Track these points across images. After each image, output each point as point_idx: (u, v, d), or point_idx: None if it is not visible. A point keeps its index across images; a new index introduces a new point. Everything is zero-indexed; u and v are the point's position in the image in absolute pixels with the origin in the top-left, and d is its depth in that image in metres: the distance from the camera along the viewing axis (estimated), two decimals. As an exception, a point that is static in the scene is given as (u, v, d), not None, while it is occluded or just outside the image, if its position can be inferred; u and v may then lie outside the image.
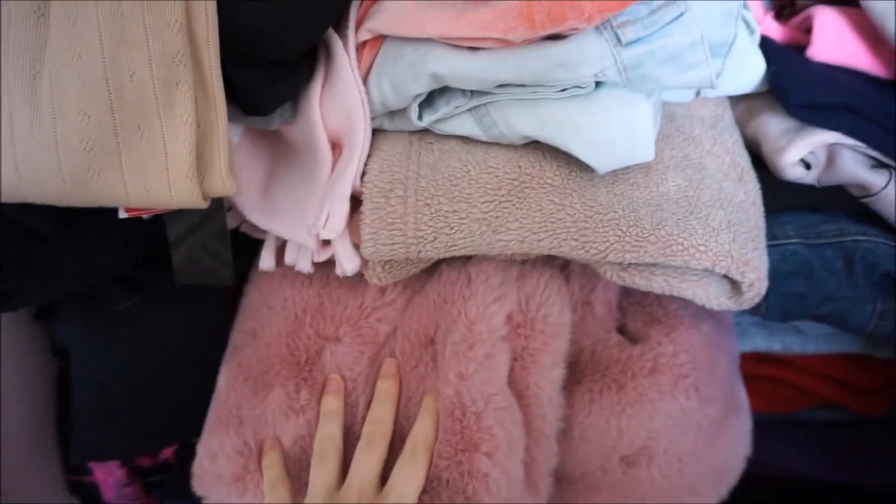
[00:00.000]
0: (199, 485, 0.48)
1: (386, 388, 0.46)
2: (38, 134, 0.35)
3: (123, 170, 0.36)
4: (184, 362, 0.54)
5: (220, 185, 0.38)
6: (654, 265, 0.43)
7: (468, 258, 0.47)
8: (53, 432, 0.64)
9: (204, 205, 0.38)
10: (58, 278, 0.51)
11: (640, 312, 0.49)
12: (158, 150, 0.36)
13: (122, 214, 0.41)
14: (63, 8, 0.34)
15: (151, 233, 0.52)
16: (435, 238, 0.41)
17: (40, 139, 0.35)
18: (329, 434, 0.45)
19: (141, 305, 0.54)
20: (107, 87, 0.35)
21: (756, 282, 0.42)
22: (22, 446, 0.60)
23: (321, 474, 0.43)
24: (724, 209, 0.43)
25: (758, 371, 0.58)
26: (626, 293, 0.51)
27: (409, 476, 0.42)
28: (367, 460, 0.43)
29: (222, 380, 0.50)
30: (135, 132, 0.36)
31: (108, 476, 0.60)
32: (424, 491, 0.42)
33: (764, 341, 0.55)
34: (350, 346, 0.47)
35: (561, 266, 0.48)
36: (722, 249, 0.41)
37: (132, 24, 0.34)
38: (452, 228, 0.41)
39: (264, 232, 0.51)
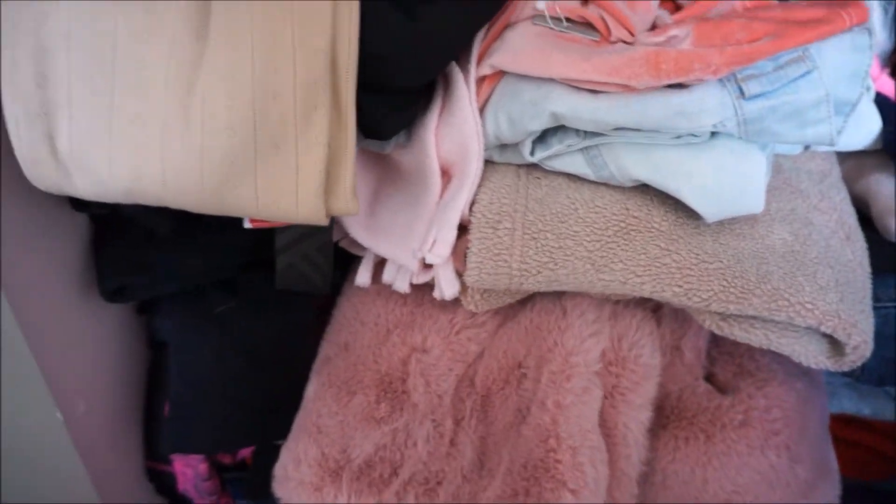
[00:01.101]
0: (281, 488, 0.50)
1: None
2: (187, 145, 0.38)
3: (257, 184, 0.39)
4: (272, 366, 0.57)
5: (344, 204, 0.40)
6: (755, 318, 0.43)
7: (563, 292, 0.47)
8: (140, 419, 0.67)
9: (325, 222, 0.40)
10: (169, 278, 0.54)
11: (729, 363, 0.49)
12: (291, 168, 0.38)
13: (247, 225, 0.43)
14: (221, 31, 0.37)
15: (258, 242, 0.55)
16: (538, 272, 0.42)
17: (188, 150, 0.38)
18: None
19: (237, 308, 0.57)
20: (252, 106, 0.37)
21: (861, 344, 0.41)
22: (110, 428, 0.63)
23: None
24: (831, 267, 0.42)
25: (843, 434, 0.56)
26: (716, 342, 0.50)
27: None
28: None
29: (311, 389, 0.51)
30: (272, 150, 0.38)
31: (186, 468, 0.62)
32: None
33: (853, 404, 0.54)
34: (438, 358, 0.48)
35: (653, 309, 0.48)
36: (830, 309, 0.40)
37: (283, 49, 0.37)
38: (557, 264, 0.42)
39: (363, 249, 0.53)
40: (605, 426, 0.44)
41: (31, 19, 0.38)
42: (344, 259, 0.56)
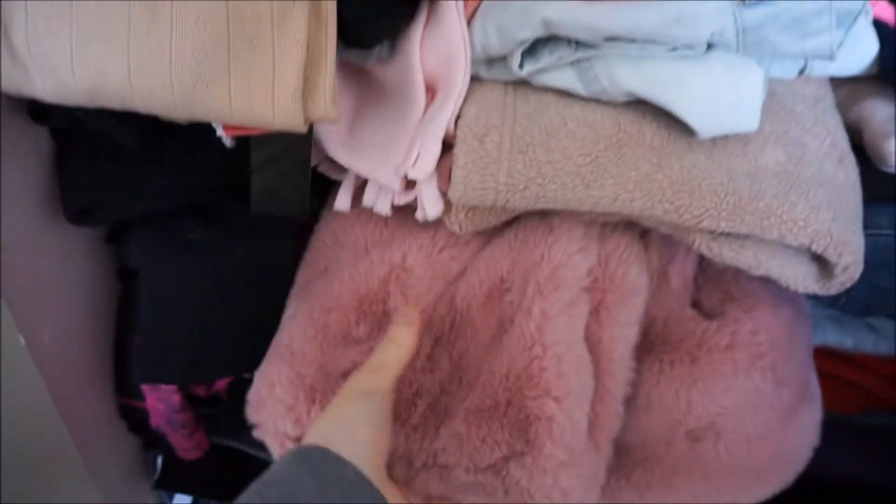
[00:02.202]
0: (255, 414, 0.48)
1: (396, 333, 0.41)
2: (155, 40, 0.35)
3: (230, 84, 0.36)
4: (248, 294, 0.55)
5: (323, 110, 0.38)
6: (745, 238, 0.42)
7: (550, 212, 0.46)
8: (110, 354, 0.65)
9: (303, 128, 0.38)
10: (137, 198, 0.51)
11: (716, 290, 0.48)
12: (267, 67, 0.36)
13: (220, 132, 0.41)
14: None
15: (232, 163, 0.52)
16: (526, 187, 0.41)
17: (156, 45, 0.35)
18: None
19: (212, 234, 0.54)
20: (225, -2, 0.35)
21: (851, 265, 0.41)
22: (79, 361, 0.61)
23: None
24: (824, 188, 0.41)
25: (823, 367, 0.56)
26: (703, 269, 0.50)
27: None
28: None
29: (288, 313, 0.50)
30: (246, 47, 0.36)
31: (159, 403, 0.61)
32: (474, 414, 0.41)
33: (836, 336, 0.54)
34: (419, 278, 0.46)
35: (640, 234, 0.47)
36: (822, 227, 0.40)
37: (257, -65, 0.34)
38: (545, 179, 0.41)
39: (342, 173, 0.51)
40: (590, 341, 0.43)
41: None
42: (323, 186, 0.54)
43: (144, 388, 0.61)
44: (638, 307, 0.44)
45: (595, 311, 0.43)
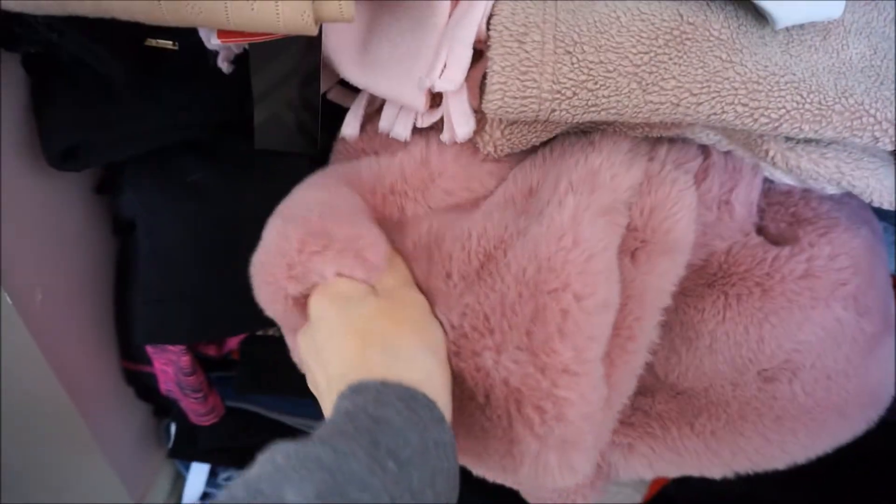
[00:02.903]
0: (257, 277, 0.40)
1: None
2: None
3: (225, -24, 0.30)
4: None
5: (336, 8, 0.32)
6: (826, 146, 0.37)
7: (591, 129, 0.40)
8: (112, 315, 0.60)
9: (313, 30, 0.32)
10: (127, 137, 0.46)
11: (782, 213, 0.43)
12: (267, -46, 0.30)
13: (214, 41, 0.35)
14: None
15: (233, 94, 0.47)
16: (574, 94, 0.35)
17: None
18: None
19: (215, 177, 0.49)
20: None
21: (952, 171, 0.35)
22: (76, 324, 0.56)
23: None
24: (919, 83, 0.36)
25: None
26: (764, 192, 0.44)
27: None
28: None
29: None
30: (241, -72, 0.30)
31: (167, 366, 0.56)
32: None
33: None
34: (446, 186, 0.41)
35: (697, 174, 0.41)
36: (921, 126, 0.34)
37: None
38: (597, 83, 0.35)
39: (353, 99, 0.45)
40: (623, 279, 0.37)
41: None
42: (334, 118, 0.48)
43: (150, 351, 0.56)
44: (679, 265, 0.38)
45: (632, 254, 0.38)
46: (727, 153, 0.42)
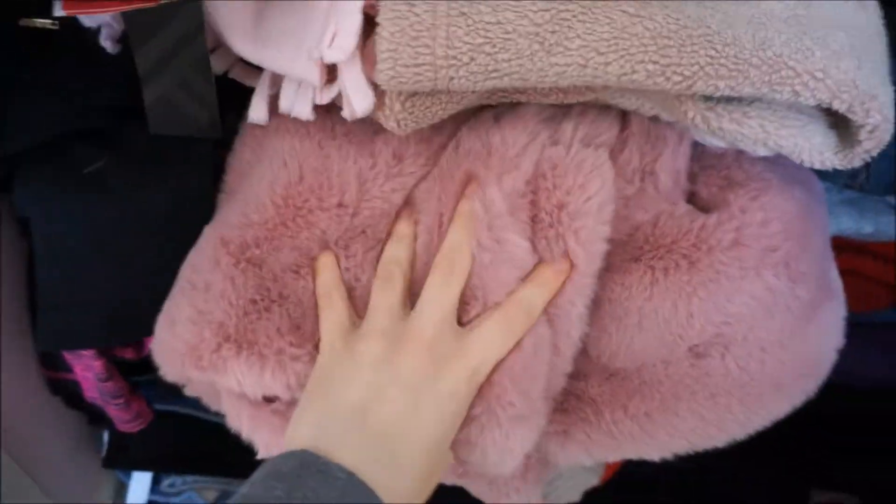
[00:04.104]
0: (157, 356, 0.41)
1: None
2: None
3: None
4: (166, 238, 0.46)
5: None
6: (749, 104, 0.34)
7: (492, 125, 0.38)
8: (27, 322, 0.57)
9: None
10: (16, 127, 0.42)
11: (713, 176, 0.40)
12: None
13: (59, 10, 0.31)
14: None
15: (119, 78, 0.43)
16: (472, 59, 0.32)
17: None
18: (397, 258, 0.39)
19: (114, 167, 0.46)
20: None
21: (881, 125, 0.33)
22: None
23: (385, 295, 0.38)
24: (845, 31, 0.33)
25: (836, 262, 0.49)
26: (695, 156, 0.42)
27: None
28: (443, 292, 0.37)
29: (198, 242, 0.41)
30: None
31: (86, 372, 0.53)
32: None
33: (853, 221, 0.47)
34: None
35: (614, 147, 0.39)
36: (845, 78, 0.32)
37: None
38: (495, 46, 0.32)
39: (258, 77, 0.42)
40: None
41: None
42: (241, 98, 0.45)
43: (69, 357, 0.53)
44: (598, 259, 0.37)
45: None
46: (650, 120, 0.39)
